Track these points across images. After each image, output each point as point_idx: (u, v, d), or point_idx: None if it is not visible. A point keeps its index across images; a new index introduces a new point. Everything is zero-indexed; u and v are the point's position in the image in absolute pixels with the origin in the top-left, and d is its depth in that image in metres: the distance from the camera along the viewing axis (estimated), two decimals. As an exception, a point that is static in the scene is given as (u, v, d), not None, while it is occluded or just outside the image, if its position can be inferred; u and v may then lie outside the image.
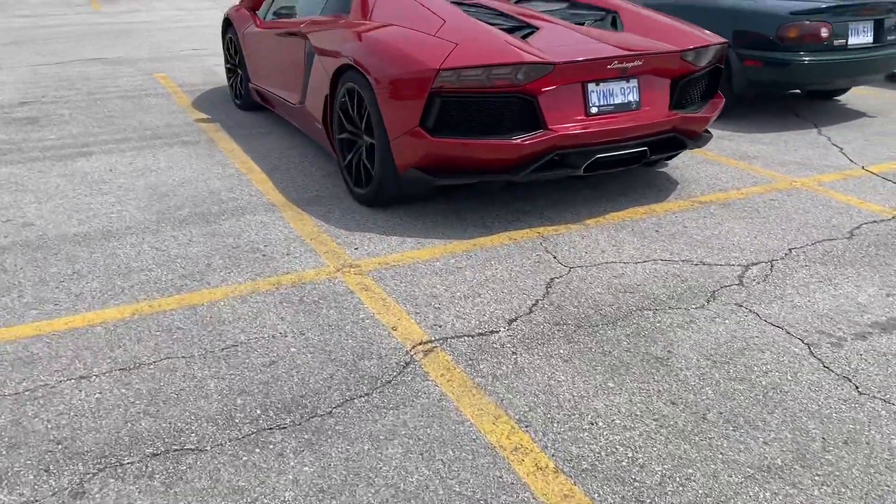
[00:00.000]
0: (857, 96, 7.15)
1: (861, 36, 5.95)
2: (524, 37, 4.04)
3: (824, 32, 5.72)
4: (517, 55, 3.64)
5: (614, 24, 4.45)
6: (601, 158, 3.89)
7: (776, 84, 5.89)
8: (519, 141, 3.70)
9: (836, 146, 5.53)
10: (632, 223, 4.07)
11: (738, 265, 3.56)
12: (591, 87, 3.87)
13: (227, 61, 6.79)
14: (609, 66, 3.81)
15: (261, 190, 4.60)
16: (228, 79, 6.85)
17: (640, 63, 3.88)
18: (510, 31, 4.13)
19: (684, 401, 2.55)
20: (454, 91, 3.67)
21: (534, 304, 3.19)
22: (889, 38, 6.10)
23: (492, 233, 3.94)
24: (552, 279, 3.42)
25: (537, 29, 4.14)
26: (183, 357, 2.80)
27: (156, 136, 5.86)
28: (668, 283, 3.38)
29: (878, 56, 6.01)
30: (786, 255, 3.68)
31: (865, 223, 4.06)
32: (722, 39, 4.26)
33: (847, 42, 5.86)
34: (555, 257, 3.65)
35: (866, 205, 4.33)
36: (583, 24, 4.43)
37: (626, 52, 3.83)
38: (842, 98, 7.06)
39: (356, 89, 4.11)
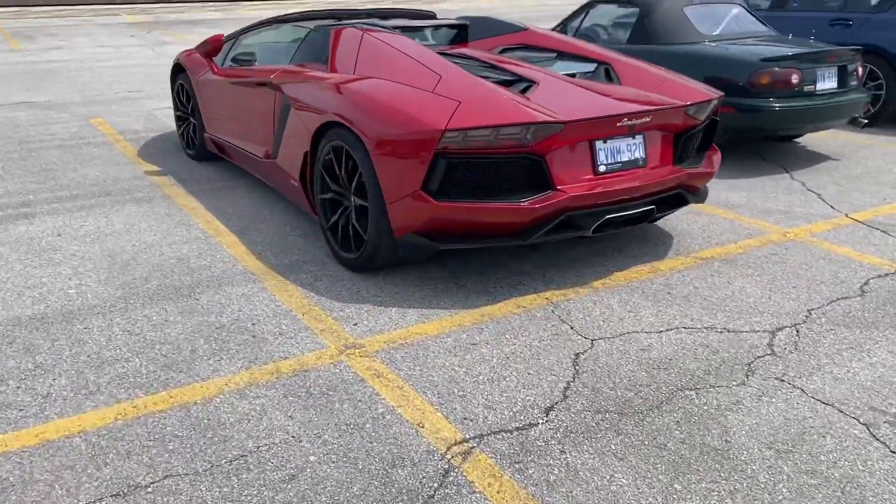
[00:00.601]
0: (814, 139, 7.23)
1: (827, 82, 5.99)
2: (522, 91, 3.82)
3: (795, 78, 5.72)
4: (527, 114, 3.40)
5: (608, 76, 4.28)
6: (610, 219, 3.69)
7: (749, 130, 5.85)
8: (529, 204, 3.46)
9: (813, 192, 5.51)
10: (640, 284, 3.86)
11: (764, 331, 3.39)
12: (598, 144, 3.67)
13: (176, 108, 6.37)
14: (618, 124, 3.62)
15: (234, 255, 4.21)
16: (178, 127, 6.42)
17: (648, 119, 3.70)
18: (505, 85, 3.91)
19: (761, 502, 2.32)
20: (459, 152, 3.41)
21: (566, 388, 2.92)
22: (851, 83, 6.17)
23: (497, 300, 3.67)
24: (577, 354, 3.17)
25: (534, 83, 3.93)
26: (185, 475, 2.41)
27: (104, 192, 5.39)
28: (700, 356, 3.17)
29: (843, 101, 6.06)
30: (807, 317, 3.53)
31: (872, 278, 3.97)
32: (719, 93, 4.14)
33: (815, 88, 5.89)
34: (572, 328, 3.40)
35: (866, 257, 4.26)
36: (574, 76, 4.25)
37: (636, 109, 3.65)
38: (801, 140, 7.12)
39: (345, 148, 3.80)
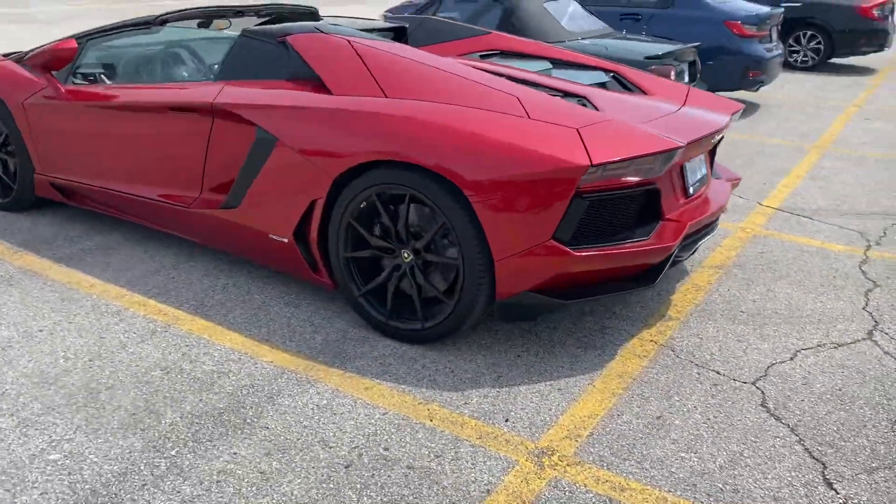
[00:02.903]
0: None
1: (685, 76, 6.31)
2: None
3: (672, 74, 5.91)
4: (662, 141, 2.95)
5: (626, 87, 3.93)
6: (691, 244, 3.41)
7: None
8: (659, 241, 3.03)
9: (705, 183, 5.76)
10: (706, 307, 3.64)
11: (864, 339, 3.38)
12: (688, 165, 3.35)
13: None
14: (712, 140, 3.33)
15: (237, 348, 3.11)
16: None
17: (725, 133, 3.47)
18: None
19: None
20: (593, 191, 2.85)
21: (806, 451, 2.59)
22: (696, 76, 6.59)
23: (607, 353, 3.18)
24: (761, 405, 2.85)
25: (587, 98, 3.45)
26: None
27: (-83, 277, 3.67)
28: (856, 378, 3.05)
29: (693, 92, 6.44)
30: (875, 314, 3.62)
31: (862, 263, 4.22)
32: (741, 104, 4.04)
33: (683, 82, 6.17)
34: (718, 372, 3.06)
35: (831, 245, 4.52)
36: (604, 86, 3.84)
37: (721, 123, 3.38)
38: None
39: (409, 194, 2.97)
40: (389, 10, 9.46)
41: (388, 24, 4.27)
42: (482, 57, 4.14)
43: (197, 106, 3.56)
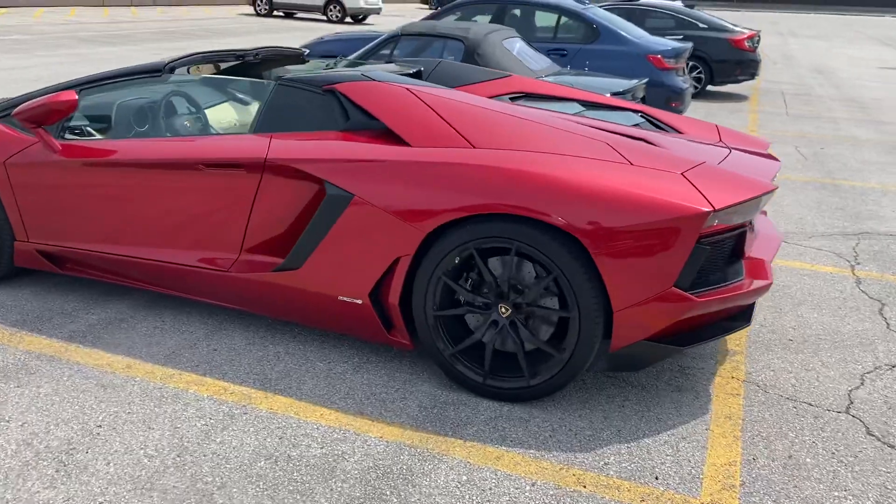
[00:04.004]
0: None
1: (638, 109, 6.53)
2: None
3: (633, 109, 6.10)
4: (762, 184, 3.01)
5: (658, 127, 3.99)
6: None
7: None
8: (765, 279, 3.10)
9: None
10: (756, 338, 3.74)
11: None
12: (750, 204, 3.45)
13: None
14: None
15: (327, 424, 2.85)
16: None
17: (773, 170, 3.59)
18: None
19: None
20: (707, 235, 2.86)
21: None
22: (642, 108, 6.83)
23: (703, 394, 3.19)
24: (849, 432, 2.95)
25: (648, 141, 3.47)
26: None
27: None
28: (935, 400, 3.23)
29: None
30: (903, 336, 3.86)
31: (859, 283, 4.51)
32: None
33: (638, 115, 6.37)
34: (810, 404, 3.14)
35: (820, 267, 4.81)
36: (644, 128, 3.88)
37: (777, 165, 3.50)
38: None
39: (515, 248, 2.85)
40: (306, 46, 9.21)
41: (406, 69, 4.11)
42: (511, 100, 4.08)
43: (242, 161, 3.27)
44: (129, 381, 3.11)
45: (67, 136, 3.76)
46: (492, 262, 3.02)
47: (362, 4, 25.86)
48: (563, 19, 8.54)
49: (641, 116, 3.99)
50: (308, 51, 5.09)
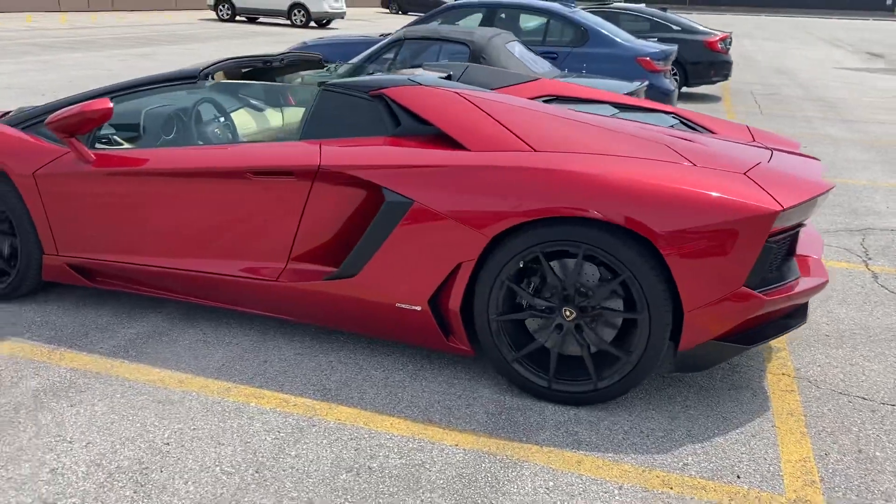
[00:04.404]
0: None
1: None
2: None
3: (637, 110, 6.16)
4: (821, 183, 3.06)
5: (692, 128, 4.02)
6: None
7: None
8: (822, 276, 3.16)
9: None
10: (798, 335, 3.80)
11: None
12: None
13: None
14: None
15: (400, 433, 2.81)
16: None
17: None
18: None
19: None
20: (774, 234, 2.89)
21: None
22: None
23: (760, 391, 3.23)
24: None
25: (696, 142, 3.50)
26: None
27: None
28: (980, 391, 3.31)
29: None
30: (931, 329, 3.95)
31: (875, 278, 4.61)
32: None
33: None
34: (863, 398, 3.20)
35: (835, 263, 4.90)
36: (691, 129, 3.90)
37: (820, 163, 3.55)
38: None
39: (583, 251, 2.85)
40: (288, 49, 9.10)
41: (439, 74, 4.09)
42: (545, 103, 4.08)
43: (293, 169, 3.21)
44: (186, 395, 3.02)
45: (97, 145, 3.65)
46: (552, 265, 3.01)
47: (326, 9, 25.71)
48: (553, 23, 8.60)
49: (673, 117, 4.02)
50: (323, 55, 5.02)
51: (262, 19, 28.44)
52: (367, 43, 8.72)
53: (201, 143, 3.78)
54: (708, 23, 37.58)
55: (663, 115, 4.02)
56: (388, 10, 42.15)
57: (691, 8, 60.46)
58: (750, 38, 30.43)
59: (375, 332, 3.30)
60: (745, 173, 2.95)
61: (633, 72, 8.24)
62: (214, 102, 3.90)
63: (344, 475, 2.57)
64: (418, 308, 3.13)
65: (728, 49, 12.72)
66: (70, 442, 2.69)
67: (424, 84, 3.38)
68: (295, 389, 3.10)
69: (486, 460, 2.68)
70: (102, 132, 3.68)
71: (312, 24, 26.74)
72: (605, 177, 2.83)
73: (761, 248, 2.78)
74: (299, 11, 25.74)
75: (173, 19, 27.00)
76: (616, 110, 3.97)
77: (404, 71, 3.98)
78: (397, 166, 3.07)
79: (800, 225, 3.09)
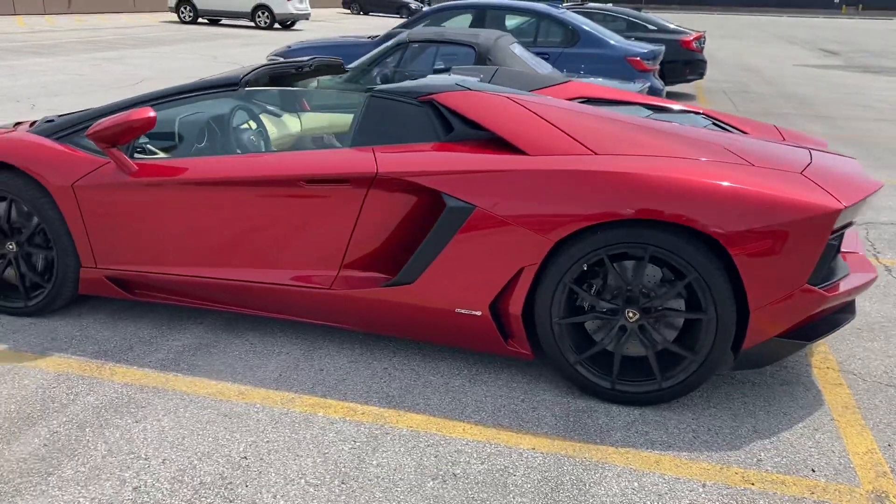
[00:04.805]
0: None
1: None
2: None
3: (642, 111, 6.23)
4: (872, 182, 3.14)
5: (723, 128, 4.08)
6: None
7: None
8: (872, 271, 3.24)
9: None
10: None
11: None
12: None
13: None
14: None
15: (474, 439, 2.82)
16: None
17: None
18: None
19: None
20: (834, 231, 2.96)
21: None
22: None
23: (810, 385, 3.30)
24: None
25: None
26: None
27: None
28: None
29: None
30: (954, 320, 4.08)
31: (889, 271, 4.75)
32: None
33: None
34: (909, 390, 3.30)
35: (849, 259, 5.02)
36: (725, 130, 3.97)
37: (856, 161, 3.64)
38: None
39: (650, 252, 2.88)
40: (277, 55, 9.02)
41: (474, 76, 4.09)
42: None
43: (349, 176, 3.19)
44: (250, 407, 2.98)
45: (135, 155, 3.58)
46: (622, 267, 3.03)
47: (291, 10, 25.49)
48: (543, 23, 8.65)
49: (704, 118, 4.08)
50: (342, 60, 4.99)
51: (224, 21, 28.08)
52: (357, 45, 8.68)
53: (240, 151, 3.73)
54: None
55: (693, 115, 4.08)
56: (349, 11, 41.96)
57: (646, 8, 61.30)
58: (710, 36, 31.00)
59: (432, 337, 3.30)
60: (801, 173, 3.02)
61: (623, 72, 8.34)
62: (250, 109, 3.85)
63: (430, 483, 2.56)
64: (478, 313, 3.13)
65: (702, 48, 12.94)
66: (145, 459, 2.64)
67: (473, 89, 3.39)
68: (358, 398, 3.08)
69: (567, 463, 2.69)
70: (139, 141, 3.60)
71: (277, 25, 26.48)
72: (672, 179, 2.87)
73: (824, 245, 2.84)
74: (263, 13, 25.47)
75: (133, 21, 26.50)
76: (649, 111, 4.01)
77: (454, 76, 3.97)
78: (458, 172, 3.07)
79: (850, 223, 3.17)
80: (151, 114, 3.30)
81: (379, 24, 32.03)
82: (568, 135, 3.15)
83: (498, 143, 3.23)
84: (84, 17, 27.53)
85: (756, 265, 2.83)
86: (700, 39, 12.92)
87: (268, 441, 2.77)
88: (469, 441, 2.81)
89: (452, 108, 3.30)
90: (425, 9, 9.16)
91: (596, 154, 3.06)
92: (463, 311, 3.16)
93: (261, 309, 3.49)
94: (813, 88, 14.92)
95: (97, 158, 3.50)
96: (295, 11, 25.65)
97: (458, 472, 2.63)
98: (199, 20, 27.29)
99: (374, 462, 2.67)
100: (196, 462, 2.63)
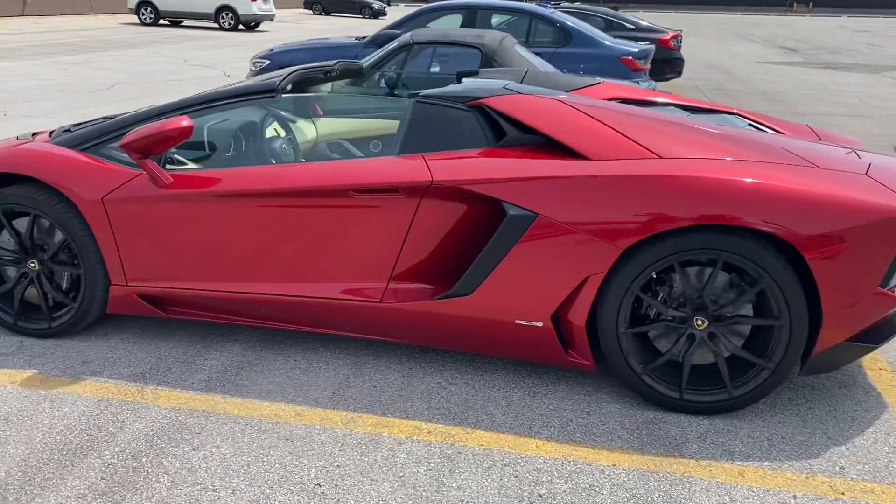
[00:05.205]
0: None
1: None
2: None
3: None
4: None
5: (759, 129, 4.05)
6: None
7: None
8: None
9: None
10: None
11: None
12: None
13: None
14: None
15: (550, 456, 2.72)
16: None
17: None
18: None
19: None
20: (895, 234, 2.93)
21: None
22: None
23: (869, 389, 3.28)
24: None
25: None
26: None
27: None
28: None
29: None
30: None
31: None
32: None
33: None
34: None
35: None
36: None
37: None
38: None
39: (722, 258, 2.81)
40: (263, 58, 8.82)
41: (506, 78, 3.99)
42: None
43: (401, 185, 3.06)
44: (311, 429, 2.85)
45: (167, 166, 3.41)
46: (688, 273, 2.96)
47: (256, 11, 25.11)
48: (535, 23, 8.59)
49: (739, 118, 4.04)
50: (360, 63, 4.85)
51: (186, 23, 27.55)
52: (344, 46, 8.53)
53: (273, 160, 3.58)
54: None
55: (728, 115, 4.04)
56: (311, 12, 41.55)
57: (590, 4, 61.78)
58: (672, 34, 31.29)
59: (488, 350, 3.19)
60: (866, 174, 2.98)
61: (617, 71, 8.32)
62: (279, 115, 3.70)
63: (518, 505, 2.46)
64: (539, 324, 3.04)
65: (680, 46, 13.03)
66: (214, 490, 2.49)
67: (522, 92, 3.29)
68: (419, 415, 2.96)
69: (651, 479, 2.61)
70: (177, 153, 3.44)
71: (241, 27, 26.06)
72: (745, 183, 2.80)
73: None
74: (227, 14, 25.04)
75: (92, 24, 25.84)
76: (687, 113, 3.96)
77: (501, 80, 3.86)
78: (519, 179, 2.97)
79: None
80: (187, 123, 3.13)
81: (345, 25, 31.76)
82: (628, 138, 3.07)
83: (552, 148, 3.13)
84: (41, 20, 26.77)
85: (830, 269, 2.78)
86: (677, 38, 13.00)
87: (338, 465, 2.64)
88: (546, 459, 2.71)
89: (505, 113, 3.20)
90: (413, 9, 9.03)
91: (660, 157, 2.98)
92: (523, 323, 3.06)
93: (304, 324, 3.35)
94: (783, 85, 15.13)
95: (127, 170, 3.32)
96: (259, 12, 25.27)
97: (544, 492, 2.53)
98: (161, 22, 26.73)
99: (454, 484, 2.55)
100: (268, 491, 2.49)
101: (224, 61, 16.01)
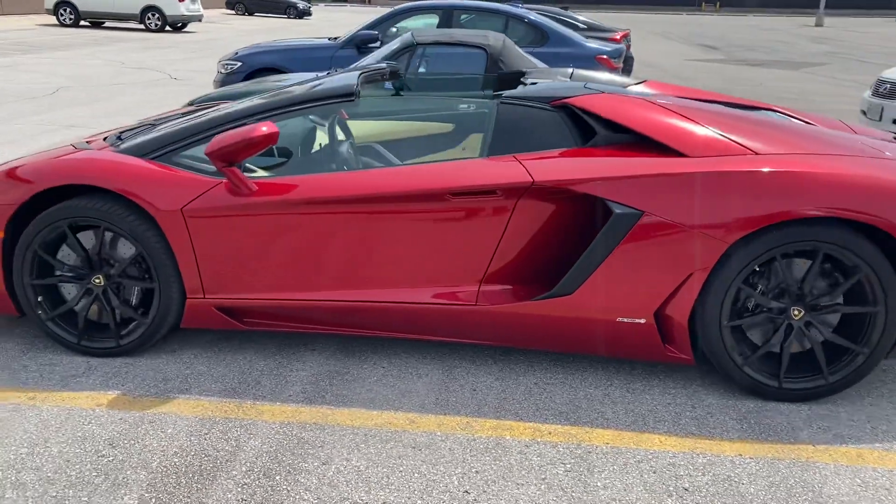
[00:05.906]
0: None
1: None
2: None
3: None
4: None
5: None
6: None
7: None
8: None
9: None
10: None
11: None
12: None
13: (39, 272, 3.29)
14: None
15: (676, 450, 2.77)
16: (43, 308, 3.33)
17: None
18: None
19: None
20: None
21: None
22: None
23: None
24: None
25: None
26: None
27: None
28: None
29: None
30: None
31: None
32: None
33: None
34: None
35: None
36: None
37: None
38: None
39: (823, 251, 2.91)
40: (235, 59, 8.59)
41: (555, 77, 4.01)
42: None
43: (499, 186, 3.05)
44: (432, 436, 2.80)
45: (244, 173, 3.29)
46: (785, 265, 3.04)
47: (183, 11, 24.38)
48: (512, 23, 8.65)
49: (774, 113, 4.18)
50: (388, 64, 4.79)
51: (108, 24, 26.50)
52: (316, 48, 8.39)
53: (345, 166, 3.50)
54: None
55: (766, 111, 4.17)
56: (234, 12, 40.63)
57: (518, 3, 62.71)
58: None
59: (585, 349, 3.21)
60: (932, 165, 3.13)
61: (593, 69, 8.45)
62: (342, 121, 3.62)
63: (669, 500, 2.49)
64: (642, 321, 3.08)
65: (629, 45, 13.35)
66: (366, 504, 2.42)
67: (606, 92, 3.32)
68: (531, 416, 2.96)
69: (781, 466, 2.68)
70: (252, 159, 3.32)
71: (168, 28, 25.25)
72: (843, 176, 2.91)
73: (978, 235, 2.97)
74: (154, 15, 24.21)
75: (6, 25, 24.53)
76: (731, 108, 4.07)
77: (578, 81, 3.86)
78: (622, 177, 2.99)
79: None
80: (275, 129, 3.03)
81: (272, 26, 31.17)
82: (722, 134, 3.14)
83: (643, 147, 3.17)
84: (-53, 21, 25.24)
85: (924, 256, 2.91)
86: (627, 37, 13.32)
87: (477, 471, 2.61)
88: (675, 453, 2.75)
89: (595, 112, 3.22)
90: (388, 10, 8.95)
91: (756, 154, 3.06)
92: (625, 320, 3.09)
93: (393, 330, 3.29)
94: (719, 82, 15.69)
95: (205, 178, 3.18)
96: (187, 13, 24.55)
97: (688, 486, 2.56)
98: (81, 23, 25.62)
99: (599, 484, 2.56)
100: (419, 501, 2.44)
101: (163, 63, 15.49)
